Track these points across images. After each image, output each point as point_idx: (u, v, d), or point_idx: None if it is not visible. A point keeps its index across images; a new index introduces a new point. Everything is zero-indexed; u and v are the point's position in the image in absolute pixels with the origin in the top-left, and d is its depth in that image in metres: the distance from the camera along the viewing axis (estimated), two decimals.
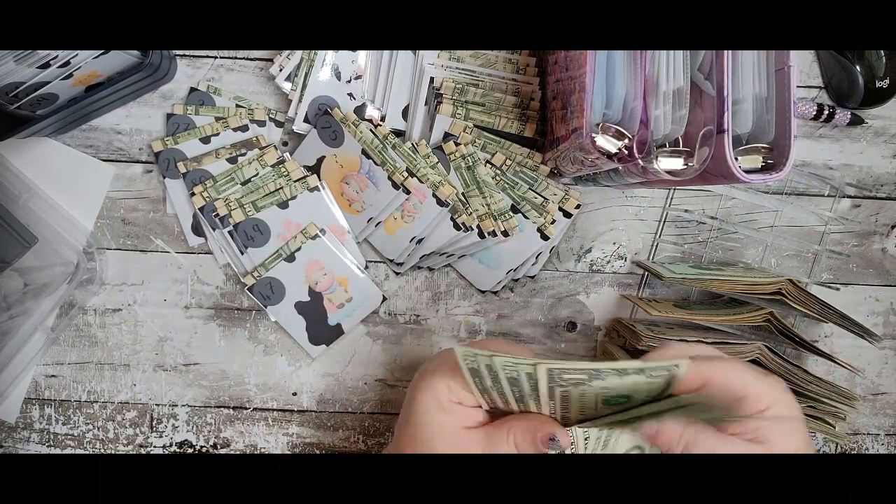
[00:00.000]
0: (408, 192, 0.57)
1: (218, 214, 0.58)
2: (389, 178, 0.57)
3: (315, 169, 0.59)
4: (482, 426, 0.39)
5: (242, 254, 0.59)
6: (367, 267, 0.62)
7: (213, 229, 0.59)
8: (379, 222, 0.59)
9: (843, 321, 0.54)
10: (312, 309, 0.60)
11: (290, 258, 0.59)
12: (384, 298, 0.61)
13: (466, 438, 0.39)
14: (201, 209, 0.59)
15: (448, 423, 0.39)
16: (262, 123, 0.60)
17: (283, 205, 0.59)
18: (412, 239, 0.59)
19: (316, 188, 0.59)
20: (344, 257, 0.59)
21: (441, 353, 0.43)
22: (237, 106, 0.60)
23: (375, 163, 0.57)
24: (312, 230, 0.58)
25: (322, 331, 0.61)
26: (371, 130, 0.58)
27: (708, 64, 0.44)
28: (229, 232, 0.59)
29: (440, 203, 0.57)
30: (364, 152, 0.57)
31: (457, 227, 0.58)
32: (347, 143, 0.58)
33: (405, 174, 0.57)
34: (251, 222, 0.59)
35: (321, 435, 0.64)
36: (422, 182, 0.57)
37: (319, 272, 0.59)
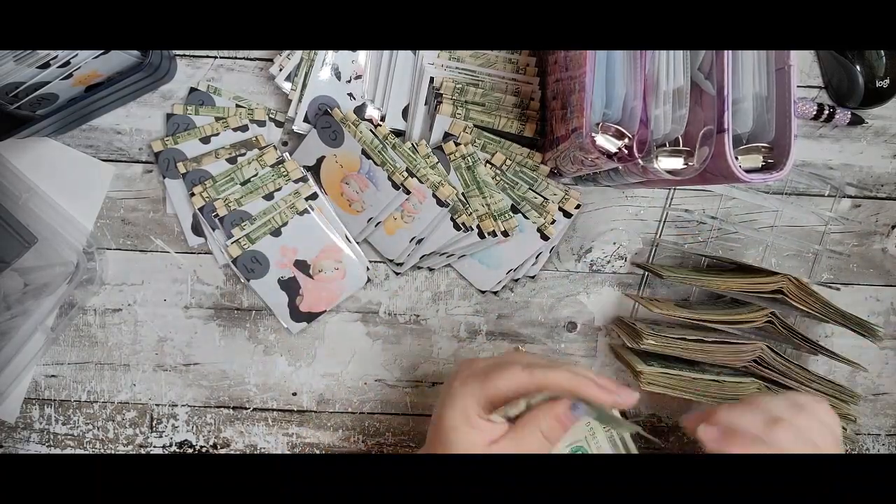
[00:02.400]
0: (408, 192, 0.57)
1: (217, 214, 0.58)
2: (389, 179, 0.57)
3: (315, 169, 0.59)
4: (505, 434, 0.41)
5: (248, 281, 0.60)
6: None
7: (213, 229, 0.59)
8: (379, 222, 0.59)
9: (843, 320, 0.54)
10: (295, 285, 0.60)
11: (277, 232, 0.59)
12: (368, 280, 0.61)
13: (495, 449, 0.40)
14: (201, 209, 0.59)
15: (477, 440, 0.41)
16: (262, 123, 0.60)
17: (276, 232, 0.59)
18: (412, 239, 0.59)
19: (312, 196, 0.59)
20: (332, 234, 0.60)
21: (465, 366, 0.45)
22: (237, 106, 0.60)
23: (375, 163, 0.57)
24: (307, 189, 0.58)
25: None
26: (371, 130, 0.58)
27: (708, 63, 0.44)
28: (232, 262, 0.59)
29: (440, 203, 0.57)
30: (364, 152, 0.57)
31: (457, 227, 0.58)
32: (347, 143, 0.58)
33: (405, 174, 0.57)
34: (249, 255, 0.59)
35: (321, 435, 0.64)
36: (422, 182, 0.57)
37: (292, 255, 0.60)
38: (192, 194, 0.58)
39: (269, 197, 0.59)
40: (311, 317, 0.61)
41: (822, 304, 0.53)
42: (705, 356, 0.56)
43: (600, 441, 0.49)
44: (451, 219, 0.58)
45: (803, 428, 0.43)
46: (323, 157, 0.59)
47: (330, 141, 0.58)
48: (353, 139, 0.57)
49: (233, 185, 0.59)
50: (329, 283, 0.60)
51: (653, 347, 0.56)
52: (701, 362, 0.58)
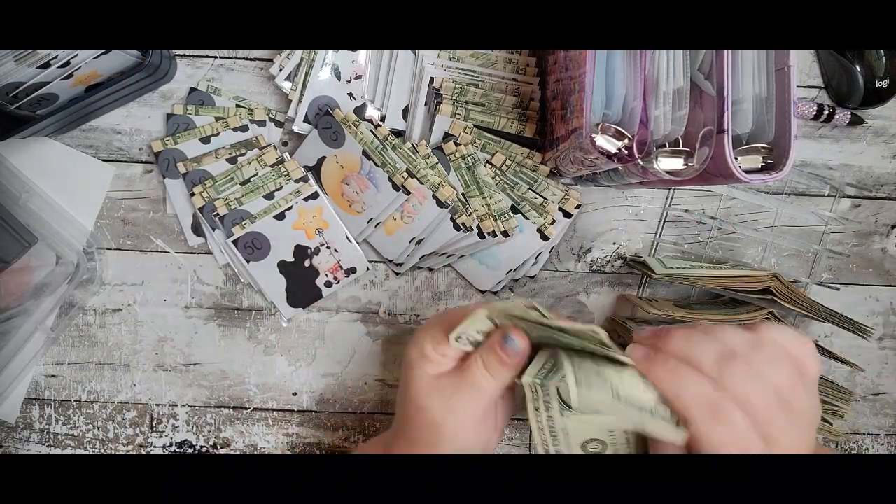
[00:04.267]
0: (408, 193, 0.57)
1: (218, 214, 0.58)
2: (390, 180, 0.57)
3: (315, 169, 0.59)
4: (452, 369, 0.43)
5: (248, 262, 0.60)
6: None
7: (213, 229, 0.59)
8: (379, 223, 0.59)
9: (832, 317, 0.54)
10: (295, 270, 0.60)
11: (281, 216, 0.59)
12: (367, 269, 0.61)
13: (441, 381, 0.42)
14: (201, 209, 0.59)
15: (429, 371, 0.43)
16: (262, 123, 0.60)
17: (280, 216, 0.59)
18: (412, 240, 0.59)
19: (312, 196, 0.59)
20: (337, 223, 0.60)
21: (434, 318, 0.45)
22: (237, 106, 0.60)
23: (376, 164, 0.57)
24: (308, 189, 0.58)
25: (301, 293, 0.61)
26: (371, 131, 0.58)
27: (708, 64, 0.44)
28: (233, 242, 0.59)
29: (440, 204, 0.57)
30: (365, 153, 0.57)
31: (457, 227, 0.58)
32: (348, 144, 0.58)
33: (405, 175, 0.57)
34: (250, 236, 0.59)
35: (321, 435, 0.64)
36: (422, 183, 0.57)
37: (314, 232, 0.60)
38: (193, 194, 0.58)
39: (269, 196, 0.59)
40: (307, 302, 0.61)
41: (809, 302, 0.53)
42: None
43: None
44: (451, 219, 0.58)
45: (760, 366, 0.36)
46: (323, 158, 0.59)
47: (331, 141, 0.58)
48: (354, 140, 0.57)
49: (233, 184, 0.59)
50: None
51: None
52: None
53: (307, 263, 0.60)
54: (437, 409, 0.42)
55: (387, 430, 0.53)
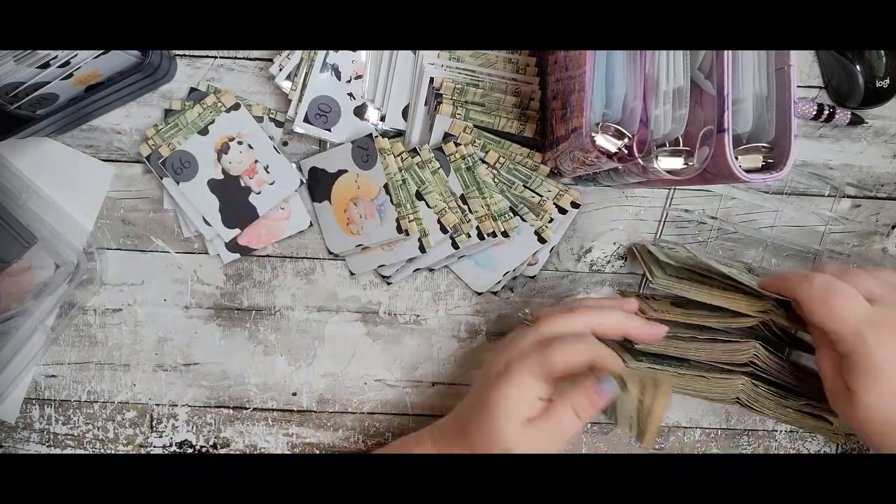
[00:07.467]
0: (407, 235, 0.57)
1: (161, 157, 0.58)
2: (397, 220, 0.57)
3: (332, 178, 0.59)
4: (541, 415, 0.44)
5: (178, 183, 0.58)
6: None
7: (161, 178, 0.58)
8: (363, 246, 0.60)
9: None
10: (227, 188, 0.59)
11: (204, 131, 0.57)
12: (302, 182, 0.60)
13: (533, 429, 0.44)
14: (148, 158, 0.58)
15: (519, 417, 0.44)
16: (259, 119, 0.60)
17: (203, 131, 0.58)
18: (380, 266, 0.60)
19: (234, 107, 0.58)
20: (263, 134, 0.58)
21: (520, 340, 0.48)
22: (215, 91, 0.59)
23: (392, 201, 0.57)
24: (229, 100, 0.57)
25: (235, 213, 0.59)
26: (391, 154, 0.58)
27: (708, 63, 0.44)
28: (161, 163, 0.58)
29: (421, 249, 0.57)
30: (385, 187, 0.57)
31: (443, 230, 0.58)
32: (375, 171, 0.57)
33: (410, 217, 0.57)
34: (177, 156, 0.57)
35: (321, 435, 0.64)
36: (416, 229, 0.57)
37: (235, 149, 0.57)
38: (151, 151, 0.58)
39: (203, 132, 0.58)
40: (243, 223, 0.59)
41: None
42: (699, 354, 0.56)
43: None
44: (438, 221, 0.57)
45: None
46: (344, 171, 0.59)
47: (360, 161, 0.58)
48: (383, 171, 0.57)
49: (177, 130, 0.58)
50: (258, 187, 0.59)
51: (645, 347, 0.56)
52: (692, 360, 0.57)
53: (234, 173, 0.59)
54: (522, 450, 0.44)
55: (428, 428, 0.54)
